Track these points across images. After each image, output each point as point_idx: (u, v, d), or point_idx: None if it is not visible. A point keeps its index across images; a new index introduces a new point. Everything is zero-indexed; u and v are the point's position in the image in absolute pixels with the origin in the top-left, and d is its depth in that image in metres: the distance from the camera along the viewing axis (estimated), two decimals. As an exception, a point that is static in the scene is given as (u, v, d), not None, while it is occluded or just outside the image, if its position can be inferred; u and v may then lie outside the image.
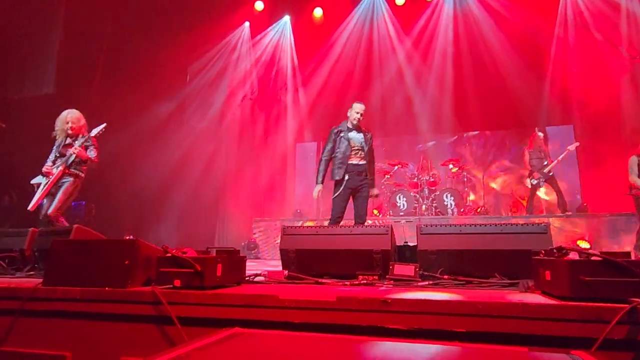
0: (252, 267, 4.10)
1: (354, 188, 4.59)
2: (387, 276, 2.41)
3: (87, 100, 7.59)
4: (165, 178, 8.41)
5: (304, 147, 10.92)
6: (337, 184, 4.60)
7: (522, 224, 2.44)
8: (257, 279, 2.44)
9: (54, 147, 4.68)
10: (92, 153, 4.55)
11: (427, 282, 2.28)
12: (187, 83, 9.45)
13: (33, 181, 4.56)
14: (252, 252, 8.11)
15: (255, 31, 10.05)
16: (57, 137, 4.70)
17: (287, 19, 10.06)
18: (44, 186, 4.42)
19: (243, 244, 8.31)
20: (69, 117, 4.63)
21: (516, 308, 1.58)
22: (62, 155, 4.54)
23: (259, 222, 8.82)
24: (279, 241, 2.91)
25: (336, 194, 4.57)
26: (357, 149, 4.67)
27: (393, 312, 1.67)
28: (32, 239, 3.04)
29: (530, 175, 7.62)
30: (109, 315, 1.98)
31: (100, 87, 7.74)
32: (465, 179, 8.68)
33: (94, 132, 4.56)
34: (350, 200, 4.65)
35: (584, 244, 6.57)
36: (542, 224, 2.40)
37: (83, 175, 4.60)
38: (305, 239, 2.72)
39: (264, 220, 8.87)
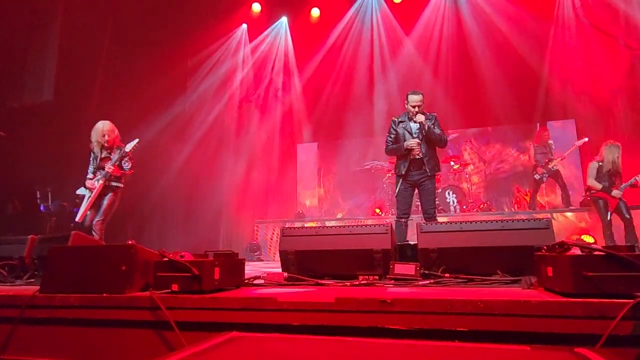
0: (254, 270, 4.08)
1: (416, 182, 4.39)
2: (387, 276, 2.38)
3: (87, 107, 7.60)
4: (167, 183, 8.41)
5: (304, 148, 10.90)
6: (399, 179, 4.41)
7: (523, 220, 2.41)
8: (256, 281, 2.42)
9: (92, 159, 5.01)
10: (127, 165, 4.93)
11: (428, 281, 2.25)
12: (186, 88, 9.44)
13: (78, 192, 4.99)
14: (255, 254, 8.09)
15: (253, 33, 10.03)
16: (94, 148, 4.98)
17: (284, 19, 10.04)
18: (88, 199, 4.82)
19: (246, 246, 8.30)
20: (105, 129, 4.91)
21: (518, 306, 1.55)
22: (100, 168, 4.89)
23: (261, 224, 8.81)
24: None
25: (397, 191, 4.40)
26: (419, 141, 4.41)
27: (393, 313, 1.65)
28: (31, 246, 3.02)
29: (534, 170, 7.57)
30: (107, 322, 1.96)
31: (99, 95, 7.74)
32: (468, 176, 8.64)
33: (129, 147, 4.90)
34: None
35: (588, 239, 6.52)
36: (544, 220, 2.37)
37: (122, 186, 4.98)
38: (305, 240, 2.69)
39: (265, 222, 8.85)
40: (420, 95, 4.53)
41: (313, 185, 10.72)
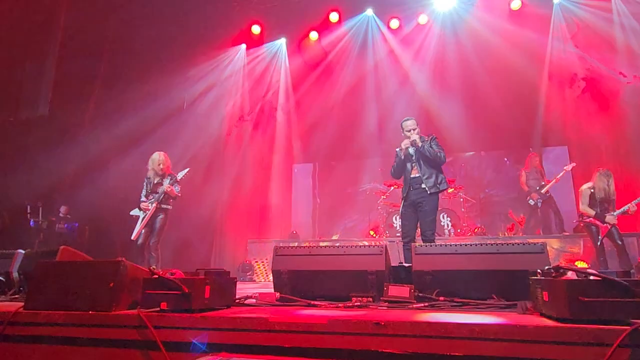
0: (246, 290, 4.01)
1: (415, 203, 4.34)
2: (381, 298, 2.34)
3: (81, 123, 7.58)
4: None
5: (300, 168, 10.91)
6: (402, 200, 4.48)
7: (518, 244, 2.40)
8: (248, 301, 2.36)
9: (145, 184, 5.65)
10: (177, 188, 5.55)
11: (422, 304, 2.21)
12: (182, 106, 9.46)
13: (132, 213, 5.58)
14: (247, 274, 7.96)
15: (252, 53, 10.15)
16: (149, 175, 5.63)
17: (283, 41, 10.18)
18: (142, 219, 5.43)
19: (238, 266, 8.17)
20: (161, 159, 5.60)
21: (515, 331, 1.53)
22: (153, 192, 5.53)
23: (254, 243, 8.70)
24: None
25: (400, 213, 4.49)
26: (414, 161, 4.49)
27: (387, 336, 1.61)
28: (17, 261, 2.95)
29: (529, 196, 7.61)
30: (93, 341, 1.90)
31: (95, 111, 7.73)
32: (462, 200, 8.64)
33: (180, 175, 5.58)
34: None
35: (582, 265, 6.49)
36: (539, 244, 2.36)
37: (171, 208, 5.60)
38: (298, 259, 2.65)
39: (259, 242, 8.75)
40: (413, 120, 4.65)
41: (308, 205, 10.68)
